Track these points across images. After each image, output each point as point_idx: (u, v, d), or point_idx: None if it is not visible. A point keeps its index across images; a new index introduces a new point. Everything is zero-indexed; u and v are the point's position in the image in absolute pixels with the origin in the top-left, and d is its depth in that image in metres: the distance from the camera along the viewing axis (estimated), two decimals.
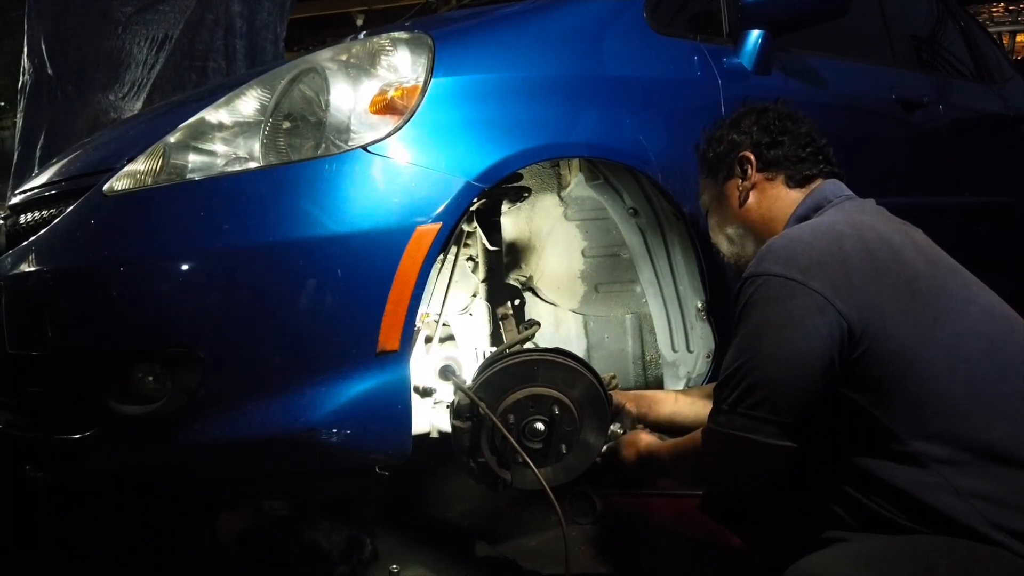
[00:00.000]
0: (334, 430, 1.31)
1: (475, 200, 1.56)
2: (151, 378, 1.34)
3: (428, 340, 1.87)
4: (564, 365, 1.59)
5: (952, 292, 1.22)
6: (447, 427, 1.90)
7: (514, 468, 1.62)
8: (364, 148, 1.45)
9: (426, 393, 1.81)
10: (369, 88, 1.51)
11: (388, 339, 1.36)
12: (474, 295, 2.01)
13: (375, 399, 1.37)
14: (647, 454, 1.51)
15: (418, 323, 1.61)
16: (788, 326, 1.18)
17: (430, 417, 1.86)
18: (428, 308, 1.83)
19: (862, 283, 1.18)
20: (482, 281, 1.86)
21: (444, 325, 1.93)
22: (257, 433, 1.30)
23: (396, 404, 1.40)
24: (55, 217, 1.53)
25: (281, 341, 1.34)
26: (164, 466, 1.40)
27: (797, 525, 1.33)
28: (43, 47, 4.81)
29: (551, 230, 2.14)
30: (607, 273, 2.18)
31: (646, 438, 1.55)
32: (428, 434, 1.89)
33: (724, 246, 1.56)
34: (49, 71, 4.82)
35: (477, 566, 2.17)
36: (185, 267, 1.35)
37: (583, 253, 2.17)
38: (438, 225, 1.44)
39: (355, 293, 1.37)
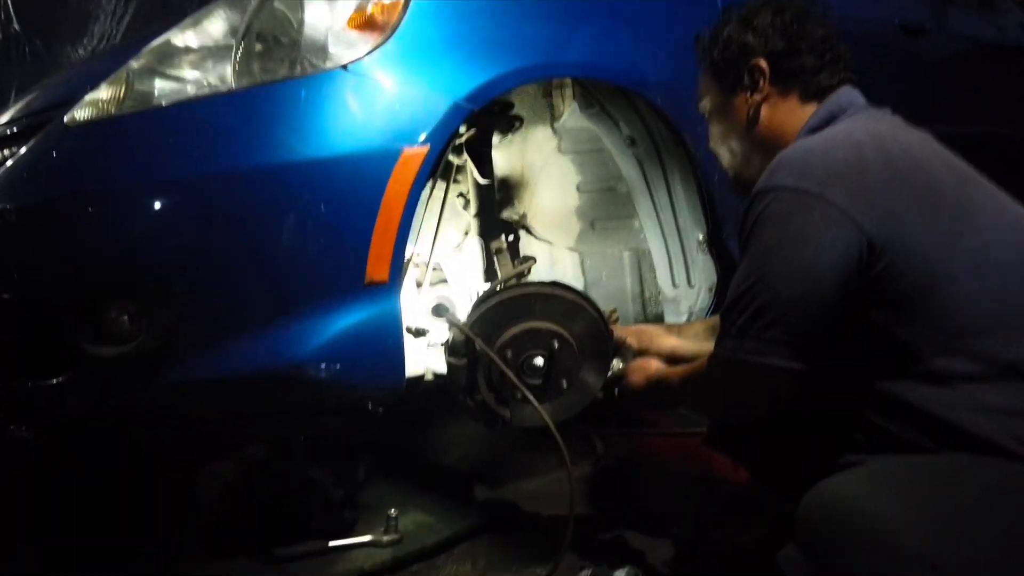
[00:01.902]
0: (322, 365, 1.23)
1: (463, 126, 1.47)
2: (125, 318, 1.25)
3: (419, 284, 1.79)
4: (562, 298, 1.52)
5: (978, 203, 1.15)
6: (442, 368, 1.83)
7: (513, 405, 1.56)
8: (343, 67, 1.35)
9: (419, 334, 1.74)
10: (346, 3, 1.40)
11: (376, 269, 1.28)
12: (466, 233, 1.92)
13: (365, 333, 1.29)
14: (657, 379, 1.44)
15: (408, 260, 1.53)
16: (802, 242, 1.10)
17: (424, 359, 1.79)
18: (417, 247, 1.75)
19: (883, 194, 1.10)
20: (474, 216, 1.78)
21: (435, 269, 1.85)
22: (240, 371, 1.23)
23: (387, 338, 1.33)
24: (15, 155, 1.43)
25: (261, 273, 1.26)
26: (143, 410, 1.33)
27: (809, 455, 1.28)
28: (8, 3, 4.67)
29: (544, 164, 2.05)
30: (603, 208, 2.10)
31: (655, 363, 1.49)
32: (423, 376, 1.83)
33: (725, 158, 1.45)
34: (15, 27, 4.68)
35: (477, 509, 2.13)
36: (155, 198, 1.25)
37: (578, 188, 2.08)
38: (425, 148, 1.35)
39: (339, 221, 1.28)
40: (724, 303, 1.21)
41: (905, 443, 1.09)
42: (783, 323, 1.10)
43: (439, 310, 1.58)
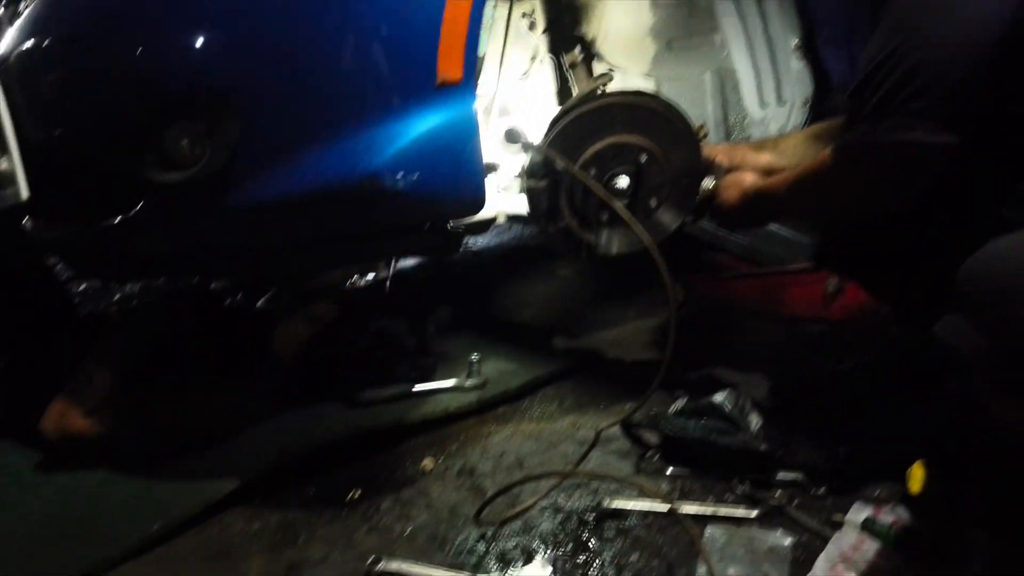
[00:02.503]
0: (399, 174, 1.14)
1: None
2: (185, 142, 1.18)
3: (486, 114, 1.67)
4: (647, 107, 1.39)
5: None
6: (515, 209, 1.75)
7: (599, 230, 1.47)
8: None
9: (488, 170, 1.63)
10: None
11: (447, 67, 1.16)
12: (532, 58, 1.77)
13: (442, 137, 1.19)
14: (755, 192, 1.32)
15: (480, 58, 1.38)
16: None
17: (494, 201, 1.69)
18: (482, 78, 1.61)
19: None
20: (543, 32, 1.62)
21: (502, 96, 1.72)
22: (312, 185, 1.14)
23: (466, 143, 1.22)
24: None
25: (326, 78, 1.15)
26: (214, 238, 1.27)
27: (931, 263, 1.15)
28: None
29: None
30: (681, 25, 1.90)
31: (751, 176, 1.36)
32: (495, 219, 1.74)
33: None
34: None
35: (556, 356, 2.09)
36: (209, 3, 1.14)
37: (652, 4, 1.88)
38: None
39: (405, 16, 1.16)
40: (851, 86, 1.06)
41: None
42: (932, 91, 0.95)
43: (512, 135, 1.46)
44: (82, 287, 2.85)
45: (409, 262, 3.21)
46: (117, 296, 2.92)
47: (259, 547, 1.39)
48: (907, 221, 1.18)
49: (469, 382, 1.86)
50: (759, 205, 1.32)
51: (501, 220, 1.73)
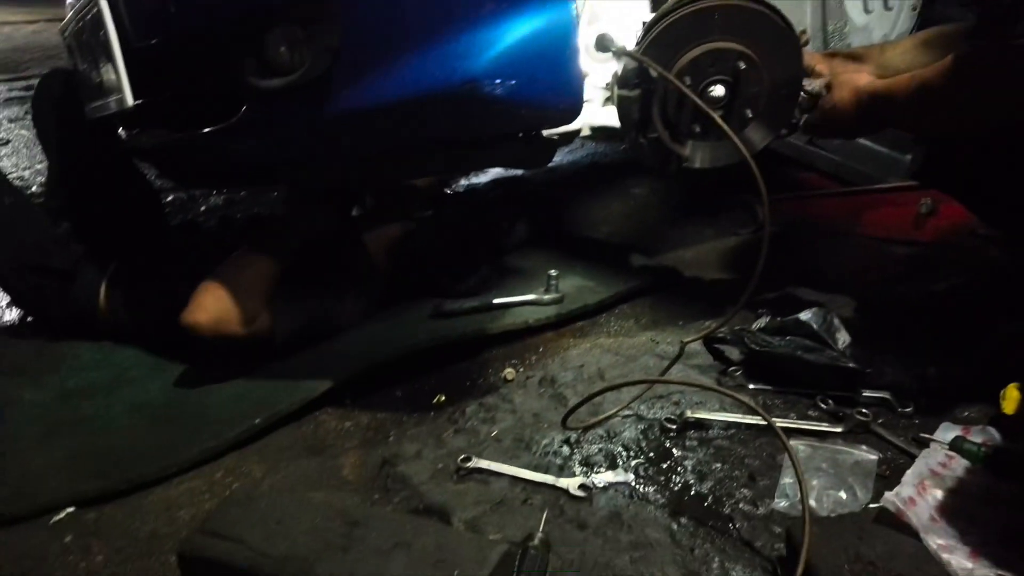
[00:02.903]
0: (498, 80, 1.13)
1: None
2: (283, 48, 1.19)
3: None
4: (749, 9, 1.32)
5: None
6: (601, 121, 1.72)
7: (690, 144, 1.43)
8: None
9: None
10: None
11: None
12: None
13: (540, 42, 1.17)
14: (871, 93, 1.25)
15: None
16: None
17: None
18: None
19: None
20: None
21: (591, 3, 1.66)
22: (410, 92, 1.15)
23: (564, 48, 1.20)
24: None
25: None
26: (312, 145, 1.29)
27: None
28: None
29: None
30: None
31: (866, 77, 1.30)
32: (579, 131, 1.71)
33: None
34: None
35: (636, 274, 2.09)
36: None
37: None
38: None
39: None
40: None
41: None
42: None
43: (603, 41, 1.42)
44: (168, 199, 2.96)
45: (483, 178, 3.22)
46: (203, 208, 3.03)
47: (352, 444, 1.47)
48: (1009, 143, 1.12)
49: (547, 297, 1.88)
50: (875, 108, 1.25)
51: (585, 132, 1.70)
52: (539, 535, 1.04)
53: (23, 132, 4.76)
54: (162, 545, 1.22)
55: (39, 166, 3.91)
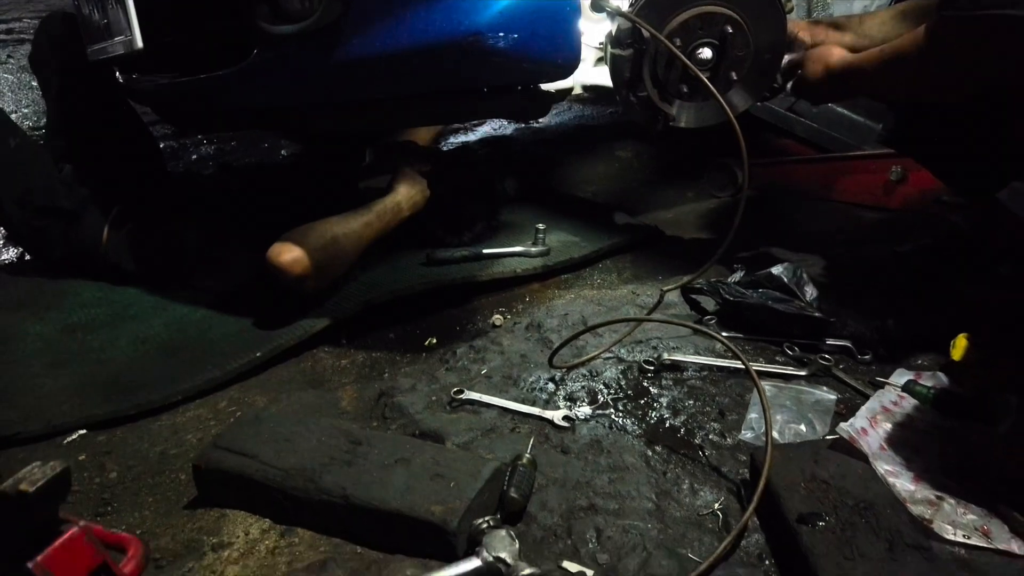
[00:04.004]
0: (501, 34, 1.20)
1: None
2: None
3: None
4: None
5: None
6: (592, 80, 1.79)
7: (677, 104, 1.52)
8: None
9: None
10: None
11: None
12: None
13: None
14: (842, 66, 1.34)
15: None
16: None
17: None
18: None
19: None
20: None
21: None
22: (419, 42, 1.21)
23: (564, 5, 1.27)
24: None
25: None
26: (320, 90, 1.35)
27: (999, 147, 1.19)
28: None
29: None
30: None
31: (838, 50, 1.38)
32: (571, 89, 1.78)
33: None
34: None
35: (616, 231, 2.18)
36: None
37: None
38: None
39: None
40: None
41: None
42: None
43: (598, 2, 1.48)
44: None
45: (472, 137, 3.27)
46: (193, 157, 3.06)
47: (349, 379, 1.56)
48: (990, 103, 1.21)
49: (535, 249, 1.96)
50: (847, 79, 1.34)
51: (577, 90, 1.77)
52: (527, 456, 1.14)
53: (6, 76, 4.70)
54: (172, 464, 1.30)
55: (25, 110, 3.88)
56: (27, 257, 2.14)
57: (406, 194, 1.82)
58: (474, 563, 0.93)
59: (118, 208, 1.89)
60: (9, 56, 5.26)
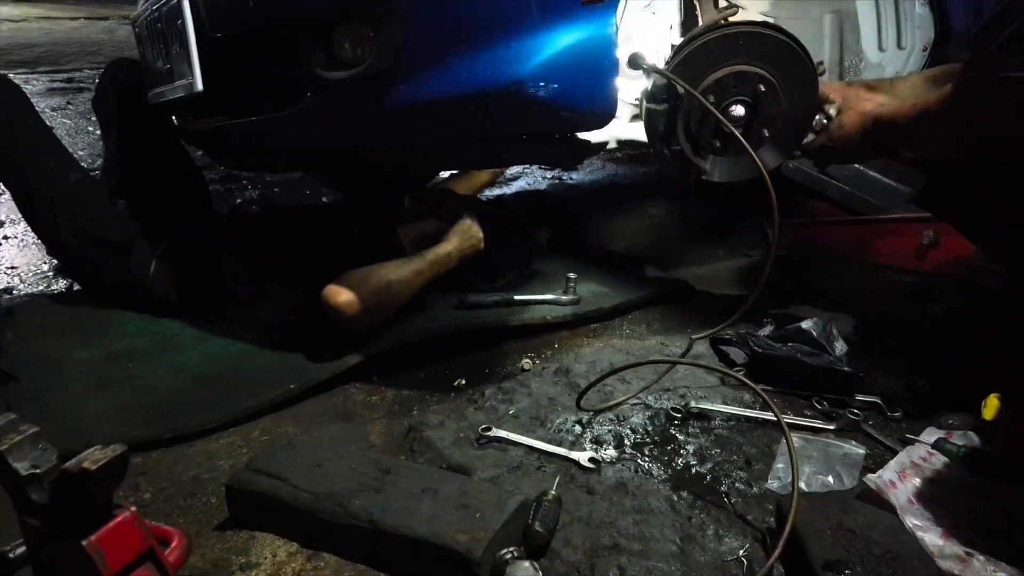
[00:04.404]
0: (541, 84, 1.26)
1: None
2: (347, 44, 1.33)
3: None
4: (773, 39, 1.46)
5: None
6: (628, 135, 1.85)
7: (710, 158, 1.56)
8: None
9: None
10: None
11: None
12: None
13: (583, 51, 1.30)
14: (875, 119, 1.38)
15: None
16: None
17: (607, 127, 1.79)
18: None
19: None
20: None
21: (625, 23, 1.79)
22: (462, 89, 1.28)
23: (603, 58, 1.33)
24: None
25: None
26: (366, 134, 1.42)
27: None
28: None
29: None
30: None
31: (871, 104, 1.42)
32: (606, 143, 1.84)
33: None
34: None
35: (646, 284, 2.20)
36: None
37: None
38: None
39: None
40: (978, 27, 1.11)
41: None
42: None
43: (635, 60, 1.55)
44: None
45: (508, 190, 3.35)
46: (238, 200, 3.18)
47: (378, 414, 1.59)
48: (1019, 165, 1.23)
49: (565, 297, 1.99)
50: (878, 133, 1.37)
51: (612, 144, 1.83)
52: (552, 492, 1.15)
53: (65, 120, 4.95)
54: (204, 487, 1.33)
55: (81, 152, 4.08)
56: (75, 287, 2.23)
57: (457, 245, 1.88)
58: None
59: (166, 242, 1.97)
60: (68, 103, 5.55)
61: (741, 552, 1.08)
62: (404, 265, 1.77)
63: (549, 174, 3.81)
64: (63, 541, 0.63)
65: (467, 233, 1.90)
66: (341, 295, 1.63)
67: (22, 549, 0.78)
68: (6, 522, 1.22)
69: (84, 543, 0.62)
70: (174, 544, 0.73)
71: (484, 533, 1.00)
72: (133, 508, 0.68)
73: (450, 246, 1.87)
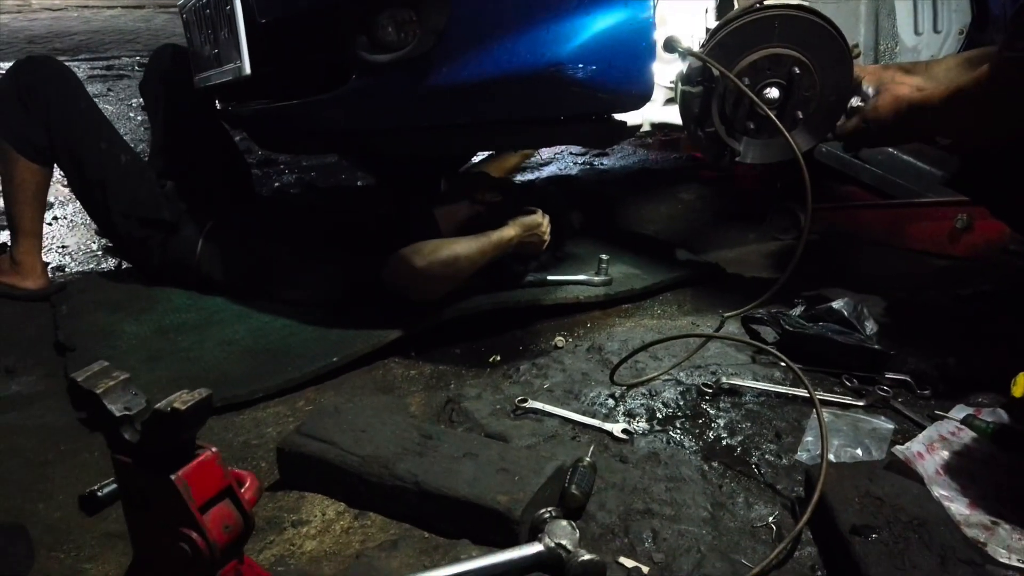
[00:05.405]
0: (580, 65, 1.30)
1: None
2: (392, 28, 1.37)
3: None
4: (808, 21, 1.47)
5: None
6: (661, 118, 1.87)
7: (744, 140, 1.58)
8: None
9: None
10: None
11: None
12: None
13: (621, 34, 1.33)
14: (910, 103, 1.39)
15: None
16: None
17: (642, 110, 1.82)
18: None
19: None
20: None
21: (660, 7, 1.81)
22: (504, 71, 1.32)
23: (641, 41, 1.36)
24: None
25: None
26: (409, 114, 1.47)
27: None
28: None
29: None
30: None
31: (906, 88, 1.43)
32: (640, 126, 1.87)
33: None
34: None
35: (677, 266, 2.23)
36: None
37: None
38: None
39: None
40: (1015, 7, 1.13)
41: None
42: None
43: (671, 43, 1.57)
44: None
45: (541, 175, 3.39)
46: (276, 184, 3.26)
47: (417, 387, 1.64)
48: None
49: (598, 278, 2.03)
50: (913, 116, 1.39)
51: (646, 128, 1.86)
52: (587, 459, 1.19)
53: (107, 107, 5.07)
54: (254, 452, 1.40)
55: (124, 137, 4.18)
56: (124, 266, 2.31)
57: (520, 233, 1.91)
58: (536, 548, 0.98)
59: (212, 223, 2.04)
60: (109, 89, 5.68)
61: (771, 519, 1.12)
62: (472, 242, 1.83)
63: (580, 159, 3.84)
64: (152, 477, 0.69)
65: (535, 227, 1.94)
66: (416, 258, 1.70)
67: (109, 488, 0.85)
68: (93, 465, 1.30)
69: (172, 477, 0.68)
70: (247, 484, 0.79)
71: (523, 494, 1.05)
72: (214, 448, 0.75)
73: (512, 231, 1.90)
